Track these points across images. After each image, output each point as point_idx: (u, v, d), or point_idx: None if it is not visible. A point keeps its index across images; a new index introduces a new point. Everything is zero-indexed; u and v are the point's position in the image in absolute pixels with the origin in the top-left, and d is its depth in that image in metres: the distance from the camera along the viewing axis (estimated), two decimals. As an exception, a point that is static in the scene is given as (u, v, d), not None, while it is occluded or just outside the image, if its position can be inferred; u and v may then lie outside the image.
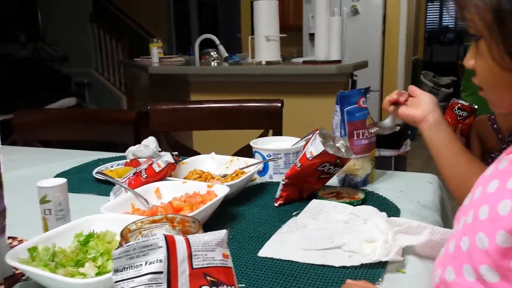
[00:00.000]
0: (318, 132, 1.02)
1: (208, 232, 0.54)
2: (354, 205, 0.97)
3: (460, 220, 0.56)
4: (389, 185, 1.13)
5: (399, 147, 2.94)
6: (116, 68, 6.55)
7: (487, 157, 1.28)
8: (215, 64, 3.37)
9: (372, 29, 4.72)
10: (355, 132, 1.11)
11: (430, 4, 6.64)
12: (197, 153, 1.70)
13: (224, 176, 1.10)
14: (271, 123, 1.71)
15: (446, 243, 0.58)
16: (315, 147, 0.99)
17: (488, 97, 0.58)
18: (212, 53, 4.11)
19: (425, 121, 0.91)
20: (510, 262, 0.45)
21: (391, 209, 0.97)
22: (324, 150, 0.97)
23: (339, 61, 2.52)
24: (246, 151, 1.33)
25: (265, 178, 1.18)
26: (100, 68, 6.68)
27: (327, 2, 2.46)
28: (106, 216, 0.83)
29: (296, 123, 2.54)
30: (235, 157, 1.17)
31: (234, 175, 1.07)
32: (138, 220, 0.61)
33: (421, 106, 0.93)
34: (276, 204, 1.02)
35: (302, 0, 5.01)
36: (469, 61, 0.58)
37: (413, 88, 0.99)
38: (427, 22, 6.58)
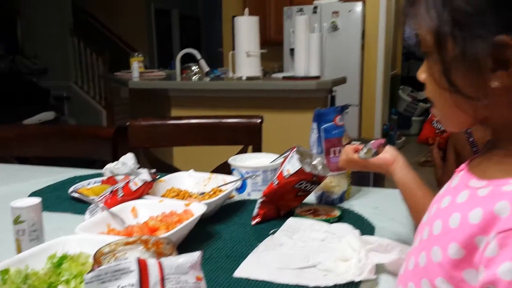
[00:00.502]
0: (295, 150, 1.03)
1: (182, 254, 0.55)
2: (330, 223, 0.98)
3: (417, 237, 0.58)
4: (365, 201, 1.15)
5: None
6: (96, 82, 6.51)
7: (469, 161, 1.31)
8: (196, 79, 3.38)
9: (352, 44, 4.81)
10: (331, 149, 1.12)
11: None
12: (176, 170, 1.70)
13: (202, 194, 1.10)
14: (251, 139, 1.72)
15: (406, 261, 0.60)
16: (292, 165, 1.00)
17: (437, 114, 0.58)
18: (193, 68, 4.12)
19: (396, 162, 0.91)
20: (462, 273, 0.47)
21: (366, 227, 0.99)
22: (301, 168, 0.98)
23: (318, 77, 2.56)
24: (226, 167, 1.33)
25: (243, 196, 1.19)
26: (80, 82, 6.63)
27: (306, 19, 2.51)
28: (81, 237, 0.82)
29: (276, 139, 2.56)
30: (214, 174, 1.18)
31: (211, 193, 1.08)
32: (112, 243, 0.61)
33: (387, 149, 0.92)
34: (253, 222, 1.02)
35: (283, 15, 5.07)
36: (421, 75, 0.57)
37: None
38: (405, 37, 6.72)
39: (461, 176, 0.57)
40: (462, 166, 0.59)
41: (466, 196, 0.51)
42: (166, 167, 1.72)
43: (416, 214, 0.87)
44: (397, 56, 6.50)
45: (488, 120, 0.53)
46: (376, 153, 0.92)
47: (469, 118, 0.54)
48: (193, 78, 3.19)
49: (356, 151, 0.97)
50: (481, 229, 0.45)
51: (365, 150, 0.92)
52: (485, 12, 0.46)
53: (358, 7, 4.70)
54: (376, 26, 5.01)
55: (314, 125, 1.13)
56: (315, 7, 4.84)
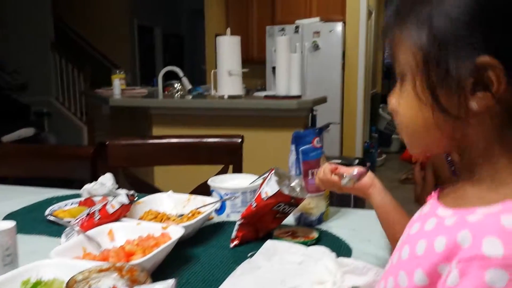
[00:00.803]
0: (273, 172, 1.04)
1: (156, 283, 0.55)
2: (308, 245, 0.99)
3: (389, 261, 0.59)
4: (343, 223, 1.16)
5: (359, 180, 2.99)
6: (78, 98, 6.45)
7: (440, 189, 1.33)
8: (179, 96, 3.38)
9: (333, 64, 4.88)
10: (309, 171, 1.14)
11: (388, 40, 6.94)
12: (157, 190, 1.69)
13: (181, 216, 1.10)
14: (231, 159, 1.72)
15: (377, 284, 0.60)
16: (270, 187, 1.00)
17: (406, 138, 0.57)
18: (175, 85, 4.12)
19: (373, 186, 0.91)
20: None
21: (343, 249, 1.00)
22: (279, 190, 0.99)
23: (299, 97, 2.59)
24: (207, 187, 1.33)
25: (223, 217, 1.19)
26: (60, 97, 6.57)
27: (287, 39, 2.54)
28: (55, 261, 0.81)
29: (258, 157, 2.57)
30: (193, 196, 1.17)
31: (190, 215, 1.07)
32: (85, 270, 0.61)
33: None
34: (231, 245, 1.02)
35: (265, 34, 5.13)
36: (392, 102, 0.57)
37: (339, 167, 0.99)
38: (385, 56, 6.87)
39: (431, 203, 0.58)
40: (434, 193, 0.60)
41: (434, 224, 0.52)
42: (146, 187, 1.71)
43: (392, 237, 0.89)
44: (377, 74, 6.63)
45: (461, 144, 0.52)
46: (358, 180, 0.93)
47: (444, 140, 0.53)
48: (176, 95, 3.19)
49: (334, 170, 0.98)
50: (444, 257, 0.46)
51: (347, 179, 0.93)
52: (468, 32, 0.46)
53: (339, 27, 4.79)
54: (356, 46, 5.10)
55: (293, 147, 1.15)
56: (297, 27, 4.91)
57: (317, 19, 4.95)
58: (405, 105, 0.54)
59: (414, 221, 0.59)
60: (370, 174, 0.94)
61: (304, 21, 4.95)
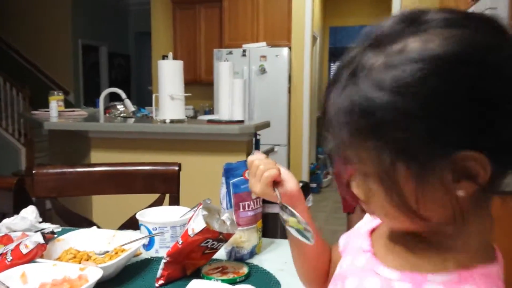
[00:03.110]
0: (201, 206, 1.01)
1: None
2: (237, 281, 0.97)
3: None
4: (274, 256, 1.14)
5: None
6: (16, 118, 6.15)
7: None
8: (120, 119, 3.29)
9: (279, 87, 4.95)
10: (240, 204, 1.11)
11: (333, 64, 7.17)
12: (89, 222, 1.61)
13: (104, 253, 1.04)
14: (168, 187, 1.67)
15: None
16: (196, 224, 0.97)
17: (377, 215, 0.52)
18: (118, 107, 4.02)
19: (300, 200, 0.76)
20: None
21: (272, 284, 0.98)
22: (206, 227, 0.96)
23: (242, 121, 2.58)
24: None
25: (151, 253, 1.14)
26: (-3, 118, 6.23)
27: (229, 65, 2.55)
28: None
29: (201, 183, 2.53)
30: (119, 232, 1.12)
31: (113, 253, 1.02)
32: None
33: (292, 178, 0.76)
34: (157, 284, 0.97)
35: (213, 57, 5.14)
36: (358, 191, 0.51)
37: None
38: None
39: (367, 258, 0.54)
40: (367, 246, 0.56)
41: (378, 286, 0.49)
42: (77, 219, 1.62)
43: (308, 275, 0.82)
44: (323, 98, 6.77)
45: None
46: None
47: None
48: (118, 117, 3.10)
49: (277, 183, 0.75)
50: None
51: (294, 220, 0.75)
52: (441, 129, 0.41)
53: (285, 52, 4.88)
54: (302, 70, 5.22)
55: (223, 180, 1.12)
56: (244, 51, 4.96)
57: (263, 43, 5.03)
58: (377, 203, 0.48)
59: (346, 275, 0.56)
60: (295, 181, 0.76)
61: (251, 45, 5.00)
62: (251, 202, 1.12)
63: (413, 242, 0.50)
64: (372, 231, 0.59)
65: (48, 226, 1.27)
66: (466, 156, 0.42)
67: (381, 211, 0.49)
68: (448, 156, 0.42)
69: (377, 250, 0.55)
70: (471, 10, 2.43)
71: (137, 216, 1.16)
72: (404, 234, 0.51)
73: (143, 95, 7.70)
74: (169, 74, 2.60)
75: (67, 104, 4.41)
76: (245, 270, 1.03)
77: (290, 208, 0.68)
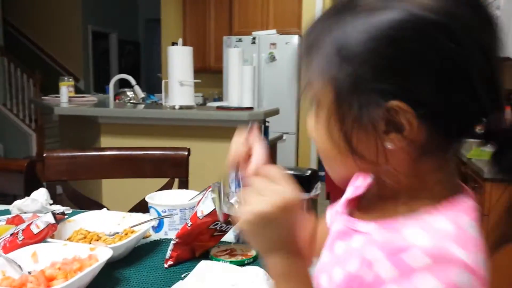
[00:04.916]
0: (210, 189, 1.01)
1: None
2: (245, 263, 0.97)
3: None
4: (283, 240, 1.14)
5: (309, 190, 2.98)
6: (27, 104, 6.20)
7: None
8: (131, 104, 3.30)
9: (288, 75, 4.92)
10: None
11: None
12: (99, 205, 1.62)
13: (114, 235, 1.05)
14: (177, 171, 1.68)
15: None
16: (205, 206, 0.98)
17: (324, 163, 0.56)
18: (128, 93, 4.03)
19: None
20: None
21: (281, 268, 0.98)
22: (214, 209, 0.96)
23: (251, 108, 2.58)
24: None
25: (160, 235, 1.14)
26: (8, 104, 6.28)
27: (239, 52, 2.54)
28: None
29: (210, 169, 2.53)
30: (128, 214, 1.13)
31: (123, 234, 1.03)
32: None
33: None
34: (166, 265, 0.98)
35: (222, 44, 5.12)
36: (309, 124, 0.56)
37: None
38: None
39: (344, 219, 0.58)
40: (340, 208, 0.61)
41: (361, 241, 0.53)
42: (87, 202, 1.64)
43: None
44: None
45: (376, 173, 0.54)
46: None
47: (359, 171, 0.54)
48: (127, 104, 3.11)
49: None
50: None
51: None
52: (379, 78, 0.46)
53: (295, 39, 4.84)
54: (312, 58, 5.16)
55: (233, 163, 1.12)
56: (254, 38, 4.93)
57: (273, 31, 4.99)
58: (320, 133, 0.53)
59: (332, 241, 0.59)
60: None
61: (260, 33, 4.97)
62: (260, 186, 1.12)
63: (381, 200, 0.54)
64: (352, 200, 0.62)
65: (59, 208, 1.28)
66: (397, 106, 0.46)
67: (323, 151, 0.54)
68: (382, 103, 0.46)
69: (353, 212, 0.59)
70: None
71: (147, 199, 1.16)
72: (374, 195, 0.56)
73: (153, 82, 7.69)
74: (179, 60, 2.59)
75: (77, 91, 4.43)
76: (253, 252, 1.03)
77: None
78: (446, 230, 0.47)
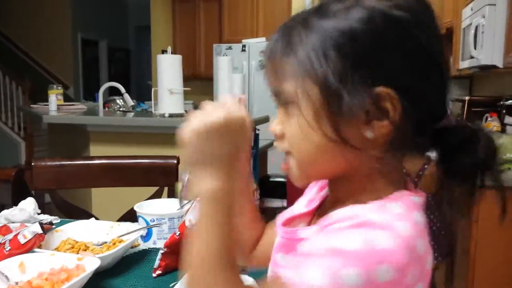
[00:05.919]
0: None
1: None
2: (234, 273, 0.97)
3: None
4: (271, 248, 1.15)
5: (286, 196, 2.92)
6: (15, 112, 6.14)
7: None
8: (120, 112, 3.28)
9: (278, 82, 4.95)
10: (238, 196, 1.12)
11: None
12: (88, 214, 1.61)
13: (102, 244, 1.05)
14: (167, 180, 1.68)
15: None
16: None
17: (296, 166, 0.55)
18: (118, 101, 4.02)
19: None
20: None
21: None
22: (203, 218, 0.96)
23: (241, 116, 2.59)
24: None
25: (149, 244, 1.14)
26: (-4, 111, 6.22)
27: (228, 60, 2.55)
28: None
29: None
30: (117, 223, 1.13)
31: (111, 244, 1.03)
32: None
33: None
34: (154, 275, 0.98)
35: (213, 52, 5.13)
36: (277, 127, 0.56)
37: None
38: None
39: (285, 231, 0.61)
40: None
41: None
42: (76, 211, 1.63)
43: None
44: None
45: (347, 170, 0.54)
46: None
47: (334, 166, 0.54)
48: (117, 112, 3.10)
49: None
50: None
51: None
52: (361, 65, 0.48)
53: (284, 47, 4.87)
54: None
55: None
56: (244, 46, 4.95)
57: (263, 38, 5.02)
58: (295, 131, 0.53)
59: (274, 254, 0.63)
60: None
61: (250, 41, 5.00)
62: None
63: (334, 206, 0.55)
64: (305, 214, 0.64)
65: (47, 218, 1.28)
66: (385, 92, 0.48)
67: (298, 148, 0.53)
68: (365, 92, 0.48)
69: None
70: (470, 6, 2.43)
71: (135, 208, 1.16)
72: (329, 203, 0.59)
73: (143, 89, 7.68)
74: (168, 68, 2.60)
75: (67, 98, 4.41)
76: (241, 262, 1.03)
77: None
78: (373, 206, 0.50)
